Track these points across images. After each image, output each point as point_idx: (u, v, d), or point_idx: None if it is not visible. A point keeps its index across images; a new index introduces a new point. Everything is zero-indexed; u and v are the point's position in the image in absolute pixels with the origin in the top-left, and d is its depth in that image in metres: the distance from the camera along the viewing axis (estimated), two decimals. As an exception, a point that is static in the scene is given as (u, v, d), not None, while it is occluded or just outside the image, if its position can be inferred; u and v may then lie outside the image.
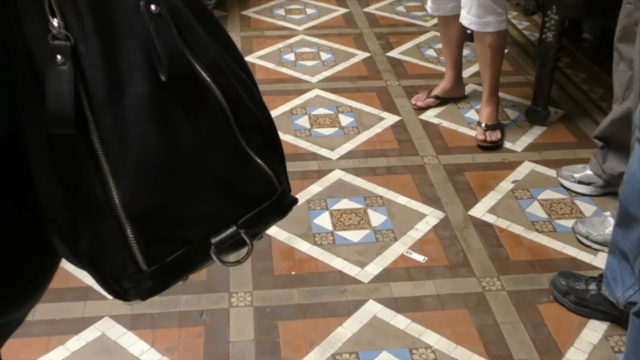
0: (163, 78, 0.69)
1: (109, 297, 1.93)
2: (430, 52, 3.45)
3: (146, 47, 0.69)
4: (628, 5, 2.04)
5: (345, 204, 2.31)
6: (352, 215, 2.25)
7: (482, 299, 1.93)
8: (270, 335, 1.81)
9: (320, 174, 2.47)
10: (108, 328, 1.81)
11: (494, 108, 2.68)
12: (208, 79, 0.73)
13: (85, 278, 1.96)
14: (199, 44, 0.73)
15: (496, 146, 2.64)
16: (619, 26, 2.09)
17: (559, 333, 1.82)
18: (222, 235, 0.75)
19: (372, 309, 1.89)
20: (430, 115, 2.85)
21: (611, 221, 2.02)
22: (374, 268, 2.03)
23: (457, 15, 2.61)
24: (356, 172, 2.48)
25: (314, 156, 2.57)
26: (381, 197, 2.34)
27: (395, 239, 2.15)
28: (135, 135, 0.69)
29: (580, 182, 2.37)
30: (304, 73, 3.20)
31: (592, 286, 1.86)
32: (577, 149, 2.64)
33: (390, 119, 2.83)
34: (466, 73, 3.10)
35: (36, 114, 0.67)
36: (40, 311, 1.85)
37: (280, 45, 3.50)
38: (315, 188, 2.38)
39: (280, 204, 0.81)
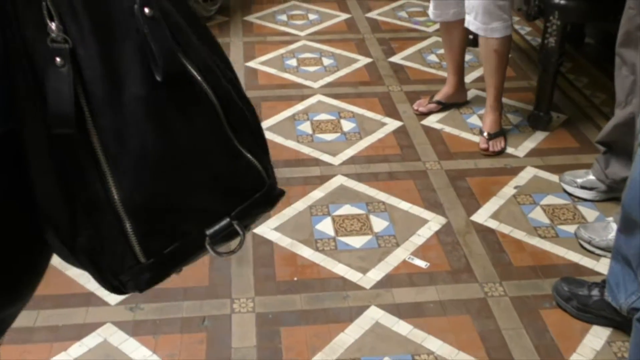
0: (158, 78, 0.72)
1: (112, 303, 1.94)
2: (432, 58, 3.45)
3: (141, 48, 0.71)
4: (630, 11, 2.04)
5: (347, 209, 2.31)
6: (354, 221, 2.25)
7: (485, 304, 1.93)
8: (272, 341, 1.80)
9: (323, 179, 2.46)
10: (110, 334, 1.81)
11: (497, 115, 2.68)
12: (200, 78, 0.76)
13: (88, 284, 1.96)
14: (190, 46, 0.76)
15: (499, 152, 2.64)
16: (620, 31, 2.09)
17: (562, 339, 1.82)
18: (217, 227, 0.79)
19: (374, 315, 1.88)
20: (432, 121, 2.85)
21: (614, 226, 2.02)
22: (376, 274, 2.03)
23: (460, 21, 2.62)
24: (358, 177, 2.48)
25: (316, 162, 2.57)
26: (383, 203, 2.34)
27: (397, 245, 2.15)
28: (133, 134, 0.72)
29: (582, 187, 2.36)
30: (306, 78, 3.21)
31: (595, 292, 1.85)
32: (579, 154, 2.64)
33: (392, 124, 2.83)
34: (468, 78, 3.10)
35: (36, 114, 0.69)
36: (42, 317, 1.85)
37: (282, 50, 3.50)
38: (317, 194, 2.38)
39: (269, 195, 0.85)
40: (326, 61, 3.39)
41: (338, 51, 3.49)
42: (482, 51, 2.63)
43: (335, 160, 2.58)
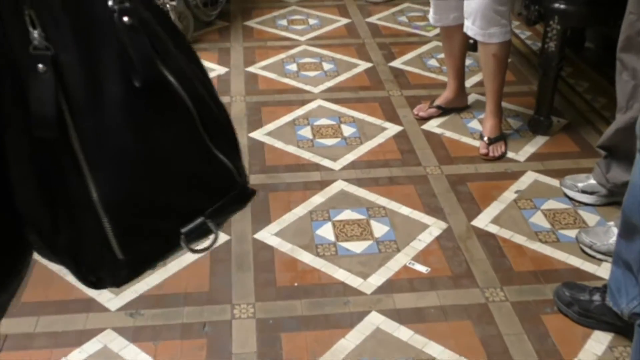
0: (137, 85, 0.75)
1: (112, 309, 1.94)
2: (433, 62, 3.45)
3: (121, 56, 0.75)
4: (631, 16, 2.04)
5: (347, 214, 2.30)
6: (354, 226, 2.24)
7: (486, 310, 1.92)
8: (273, 347, 1.80)
9: (323, 184, 2.46)
10: (110, 340, 1.80)
11: (498, 120, 2.68)
12: (177, 84, 0.79)
13: (88, 290, 1.95)
14: (168, 53, 0.79)
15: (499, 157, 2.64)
16: (621, 36, 2.09)
17: (563, 344, 1.81)
18: (191, 226, 0.83)
19: (375, 320, 1.88)
20: (432, 126, 2.85)
21: (615, 231, 2.01)
22: (377, 279, 2.02)
23: (460, 26, 2.62)
24: (359, 182, 2.48)
25: (317, 167, 2.57)
26: (384, 208, 2.33)
27: (398, 250, 2.14)
28: (112, 137, 0.76)
29: (583, 192, 2.36)
30: (306, 83, 3.21)
31: (596, 297, 1.85)
32: (580, 158, 2.64)
33: (393, 129, 2.83)
34: (469, 83, 3.10)
35: (20, 118, 0.72)
36: (43, 323, 1.85)
37: (282, 55, 3.50)
38: (317, 199, 2.38)
39: (241, 195, 0.89)
40: (326, 66, 3.39)
41: (338, 56, 3.49)
42: (481, 56, 2.63)
43: (336, 165, 2.57)
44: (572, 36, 3.25)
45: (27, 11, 0.71)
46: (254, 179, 2.48)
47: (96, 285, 0.84)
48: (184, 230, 0.82)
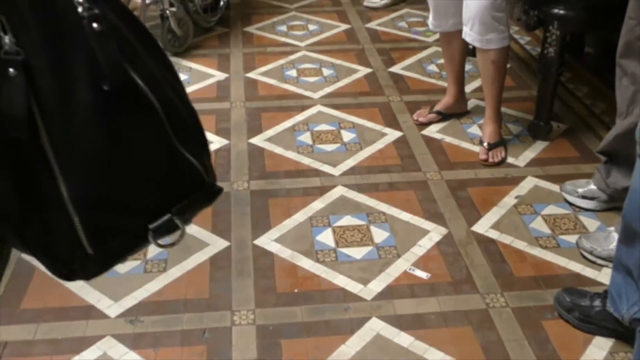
0: (105, 88, 0.79)
1: (112, 315, 1.93)
2: (432, 68, 3.45)
3: (91, 60, 0.79)
4: (630, 21, 2.04)
5: (347, 220, 2.30)
6: (354, 232, 2.24)
7: (486, 315, 1.92)
8: (273, 353, 1.79)
9: (323, 190, 2.46)
10: (110, 347, 1.80)
11: (497, 126, 2.68)
12: (145, 88, 0.83)
13: (88, 297, 1.95)
14: (137, 58, 0.83)
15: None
16: (621, 41, 2.09)
17: (564, 350, 1.81)
18: (159, 222, 0.87)
19: (375, 326, 1.87)
20: (432, 131, 2.85)
21: (615, 236, 2.01)
22: (377, 285, 2.02)
23: (459, 32, 2.62)
24: (358, 188, 2.47)
25: (316, 172, 2.56)
26: (384, 214, 2.33)
27: (398, 256, 2.14)
28: (82, 138, 0.80)
29: (583, 197, 2.36)
30: (306, 89, 3.21)
31: (597, 302, 1.84)
32: (580, 163, 2.64)
33: (393, 134, 2.83)
34: (468, 88, 3.10)
35: None
36: (42, 330, 1.84)
37: (282, 61, 3.51)
38: (317, 204, 2.38)
39: (208, 193, 0.94)
40: (326, 72, 3.39)
41: (338, 61, 3.50)
42: (479, 62, 2.64)
43: (336, 171, 2.57)
44: (572, 41, 3.24)
45: None
46: (253, 185, 2.48)
47: (68, 277, 0.88)
48: (151, 226, 0.87)
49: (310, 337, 1.84)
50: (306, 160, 2.64)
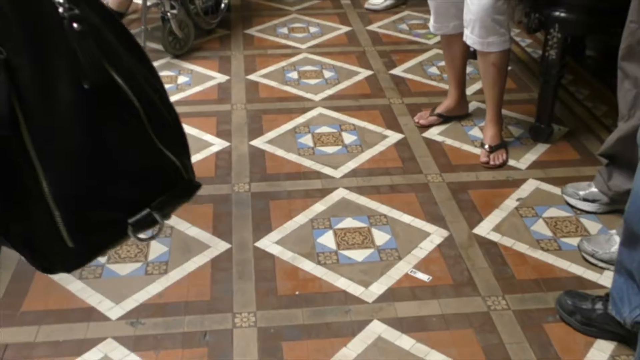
0: (86, 86, 0.81)
1: (113, 318, 1.93)
2: (433, 70, 3.45)
3: (71, 59, 0.81)
4: (632, 24, 2.04)
5: (349, 222, 2.30)
6: (355, 234, 2.24)
7: (488, 318, 1.91)
8: (274, 356, 1.79)
9: (324, 192, 2.46)
10: (111, 350, 1.80)
11: (498, 129, 2.67)
12: (125, 86, 0.86)
13: (89, 299, 1.95)
14: (116, 56, 0.86)
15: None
16: (622, 45, 2.09)
17: (566, 353, 1.80)
18: (138, 216, 0.90)
19: (376, 329, 1.87)
20: (433, 133, 2.85)
21: (617, 239, 2.01)
22: (378, 288, 2.02)
23: (460, 34, 2.62)
24: (360, 190, 2.47)
25: (318, 175, 2.56)
26: (385, 216, 2.33)
27: (400, 258, 2.14)
28: (63, 135, 0.82)
29: (585, 200, 2.36)
30: (307, 91, 3.21)
31: (599, 305, 1.84)
32: (581, 166, 2.64)
33: (394, 137, 2.83)
34: (469, 90, 3.10)
35: None
36: (43, 333, 1.84)
37: (283, 63, 3.51)
38: (318, 207, 2.37)
39: (187, 189, 0.97)
40: (327, 74, 3.39)
41: (339, 64, 3.50)
42: (480, 65, 2.63)
43: (337, 173, 2.57)
44: (573, 44, 3.25)
45: None
46: (254, 187, 2.48)
47: (49, 270, 0.91)
48: (131, 220, 0.90)
49: (311, 340, 1.84)
50: (307, 163, 2.64)
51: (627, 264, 1.69)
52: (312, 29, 3.97)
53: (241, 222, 2.29)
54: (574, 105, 3.10)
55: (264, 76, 3.36)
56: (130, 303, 1.94)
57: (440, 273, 2.08)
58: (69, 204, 0.84)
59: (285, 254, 2.15)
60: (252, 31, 3.93)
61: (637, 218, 1.62)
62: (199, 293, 1.99)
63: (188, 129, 2.80)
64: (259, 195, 2.44)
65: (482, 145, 2.69)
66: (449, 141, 2.80)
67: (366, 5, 4.31)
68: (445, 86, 3.07)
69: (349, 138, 2.81)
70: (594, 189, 2.35)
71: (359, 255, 2.15)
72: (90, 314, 1.90)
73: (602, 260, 2.09)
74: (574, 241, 2.21)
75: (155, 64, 3.41)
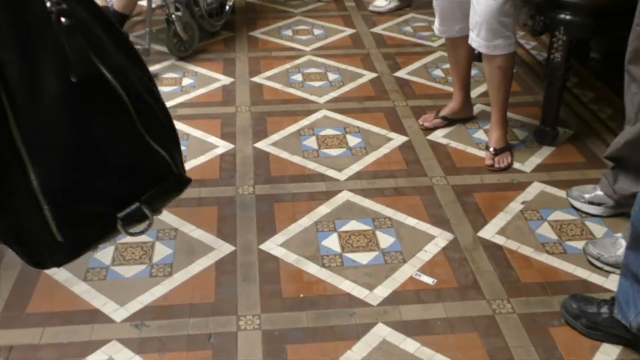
0: (73, 80, 0.82)
1: (117, 320, 1.93)
2: (438, 72, 3.45)
3: (58, 53, 0.81)
4: (638, 28, 2.04)
5: (353, 225, 2.29)
6: (360, 237, 2.24)
7: (493, 322, 1.91)
8: (278, 358, 1.79)
9: (328, 195, 2.46)
10: (115, 352, 1.80)
11: (503, 132, 2.67)
12: (114, 81, 0.86)
13: (94, 301, 1.95)
14: (105, 51, 0.86)
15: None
16: (629, 48, 2.09)
17: (571, 357, 1.80)
18: (127, 211, 0.90)
19: (381, 332, 1.87)
20: (438, 136, 2.85)
21: (623, 243, 2.00)
22: (383, 290, 2.01)
23: (465, 37, 2.62)
24: (364, 193, 2.47)
25: (322, 177, 2.56)
26: (389, 219, 2.33)
27: (404, 261, 2.13)
28: (51, 129, 0.82)
29: (590, 203, 2.35)
30: (311, 94, 3.21)
31: (604, 309, 1.83)
32: (586, 169, 2.63)
33: (398, 139, 2.82)
34: (474, 93, 3.10)
35: None
36: (48, 335, 1.84)
37: (287, 66, 3.51)
38: (323, 209, 2.37)
39: (177, 183, 0.96)
40: (331, 76, 3.39)
41: (343, 66, 3.50)
42: (486, 68, 2.63)
43: (341, 176, 2.57)
44: (578, 47, 3.24)
45: None
46: (259, 190, 2.48)
47: (39, 264, 0.91)
48: (120, 215, 0.90)
49: (315, 343, 1.84)
50: (312, 165, 2.63)
51: (633, 267, 1.69)
52: (317, 32, 3.97)
53: (246, 225, 2.29)
54: (579, 108, 3.10)
55: (269, 78, 3.36)
56: (135, 305, 1.94)
57: (445, 276, 2.08)
58: (57, 197, 0.84)
59: (289, 257, 2.15)
60: (257, 33, 3.94)
61: (644, 222, 1.62)
62: (204, 295, 1.99)
63: (192, 131, 2.80)
64: (263, 197, 2.44)
65: (487, 148, 2.68)
66: (453, 144, 2.79)
67: (370, 8, 4.31)
68: (450, 89, 3.06)
69: (353, 140, 2.81)
70: (599, 192, 2.34)
71: (363, 258, 2.14)
72: (95, 316, 1.90)
73: (607, 264, 2.08)
74: (579, 244, 2.20)
75: (160, 66, 3.42)
